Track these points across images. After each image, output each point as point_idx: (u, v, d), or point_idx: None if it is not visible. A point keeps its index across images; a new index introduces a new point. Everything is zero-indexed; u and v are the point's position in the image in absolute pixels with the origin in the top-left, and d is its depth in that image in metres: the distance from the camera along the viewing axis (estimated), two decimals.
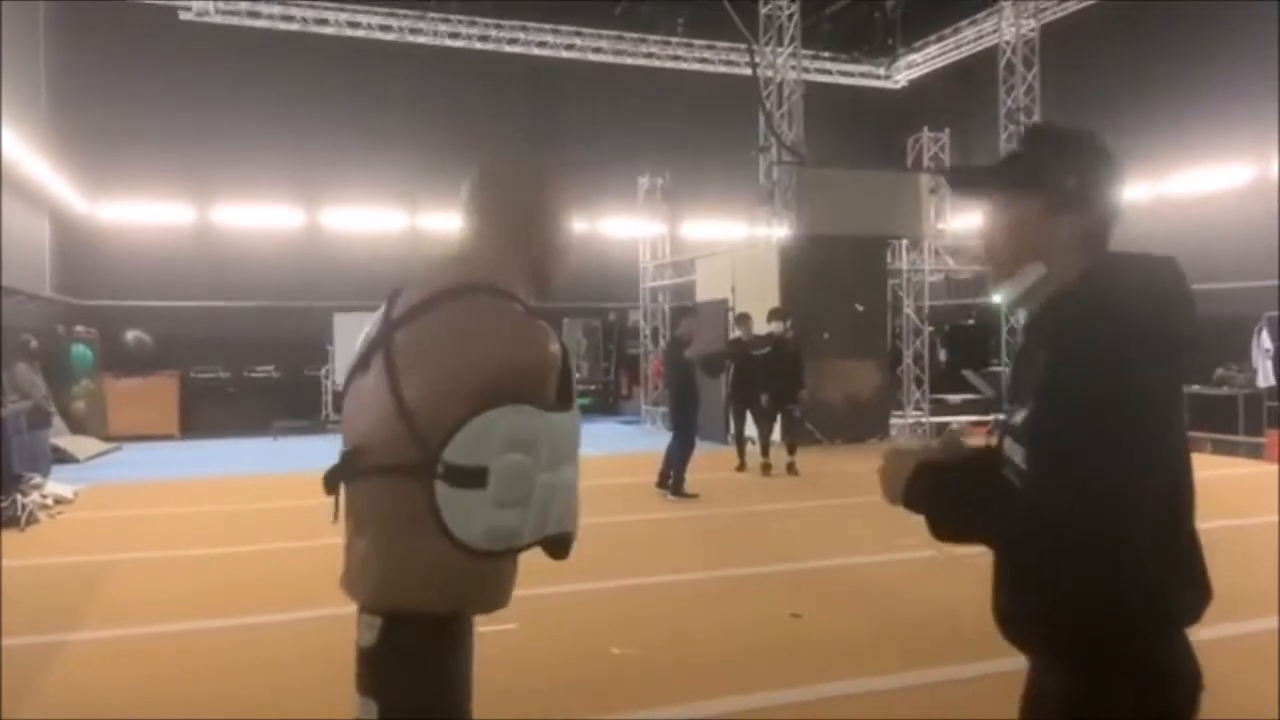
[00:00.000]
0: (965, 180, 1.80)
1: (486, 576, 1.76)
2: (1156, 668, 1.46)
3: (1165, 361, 1.47)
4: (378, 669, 1.72)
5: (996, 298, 1.66)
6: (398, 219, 18.04)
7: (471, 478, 1.64)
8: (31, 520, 7.88)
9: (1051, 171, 1.56)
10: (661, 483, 9.04)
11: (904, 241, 14.98)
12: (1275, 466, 10.74)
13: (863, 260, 13.65)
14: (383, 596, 1.71)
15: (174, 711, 3.83)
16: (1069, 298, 1.51)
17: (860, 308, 13.48)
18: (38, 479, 8.94)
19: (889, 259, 14.95)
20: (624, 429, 16.60)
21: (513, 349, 1.72)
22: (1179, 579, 1.47)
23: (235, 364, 17.05)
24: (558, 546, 1.82)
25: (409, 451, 1.67)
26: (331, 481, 1.78)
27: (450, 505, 1.64)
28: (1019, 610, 1.56)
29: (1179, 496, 1.48)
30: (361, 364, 1.83)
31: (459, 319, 1.74)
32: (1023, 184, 1.58)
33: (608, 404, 19.35)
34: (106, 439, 14.42)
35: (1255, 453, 11.53)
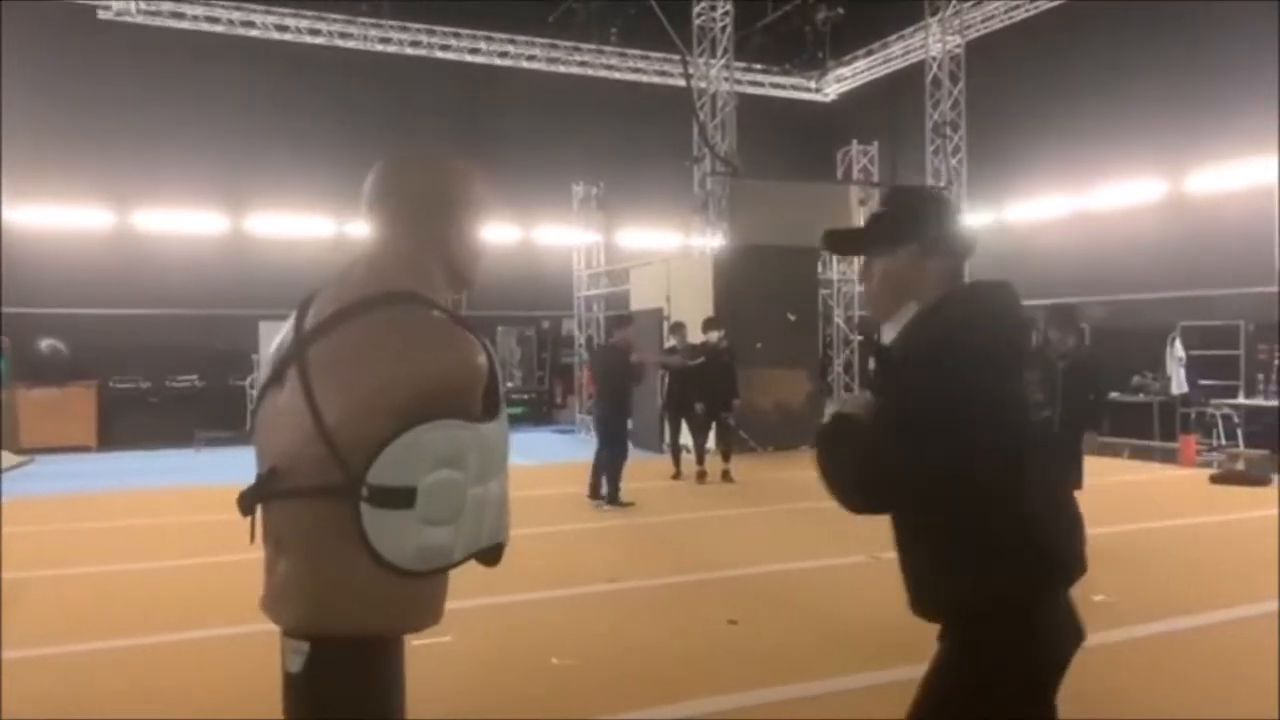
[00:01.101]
0: (846, 245, 2.15)
1: (418, 595, 1.69)
2: (1019, 628, 1.78)
3: (994, 368, 1.78)
4: (307, 695, 1.65)
5: (883, 337, 1.95)
6: (325, 226, 17.70)
7: (399, 498, 1.56)
8: None
9: (917, 227, 1.93)
10: (593, 493, 8.99)
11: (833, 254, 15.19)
12: (1189, 470, 11.15)
13: (795, 270, 13.82)
14: (310, 620, 1.63)
15: None
16: (916, 322, 1.86)
17: (793, 317, 13.65)
18: None
19: (820, 269, 15.16)
20: (558, 438, 16.52)
21: (437, 361, 1.64)
22: (1016, 553, 1.76)
23: (156, 373, 16.53)
24: (490, 556, 1.77)
25: (331, 473, 1.58)
26: (248, 503, 1.68)
27: (377, 527, 1.57)
28: (909, 588, 1.91)
29: (1008, 482, 1.77)
30: (275, 379, 1.73)
31: (379, 331, 1.65)
32: (897, 241, 1.92)
33: (541, 413, 19.23)
34: (19, 451, 13.87)
35: (1170, 458, 11.94)
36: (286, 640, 1.66)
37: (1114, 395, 14.01)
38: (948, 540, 1.79)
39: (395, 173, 1.86)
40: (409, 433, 1.57)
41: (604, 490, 8.91)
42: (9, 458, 13.25)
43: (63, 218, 16.28)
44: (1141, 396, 13.69)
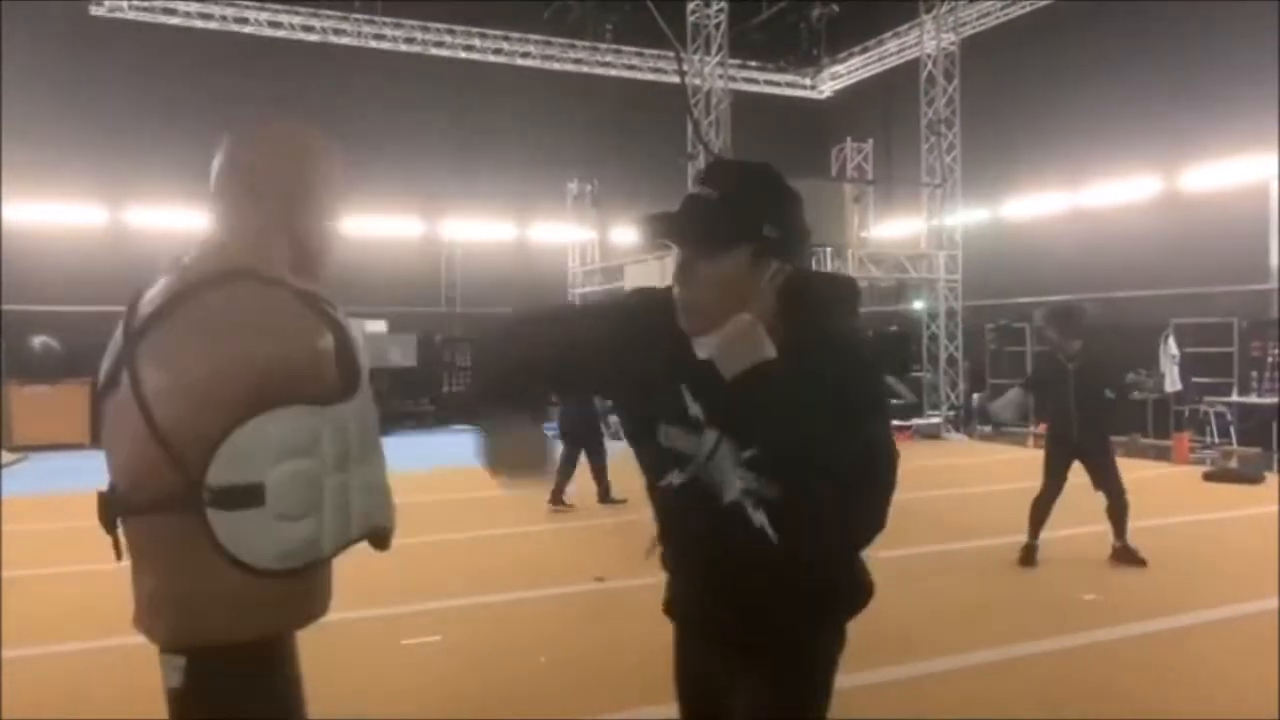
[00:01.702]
0: (664, 232, 1.68)
1: (292, 593, 1.56)
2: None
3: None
4: (192, 709, 1.56)
5: (701, 353, 1.58)
6: None
7: (246, 496, 1.44)
8: None
9: (756, 222, 1.57)
10: (554, 499, 8.52)
11: (828, 250, 15.20)
12: (1182, 468, 11.18)
13: None
14: (182, 633, 1.53)
15: None
16: (826, 336, 1.60)
17: None
18: None
19: (814, 267, 15.14)
20: (551, 436, 16.50)
21: (272, 344, 1.48)
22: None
23: None
24: (378, 541, 1.66)
25: (171, 479, 1.46)
26: (106, 520, 1.57)
27: (229, 531, 1.44)
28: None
29: None
30: (109, 383, 1.59)
31: (210, 314, 1.50)
32: (734, 241, 1.56)
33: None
34: (11, 449, 13.83)
35: (1163, 455, 11.96)
36: (163, 656, 1.57)
37: (1107, 392, 14.05)
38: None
39: (241, 143, 1.71)
40: (248, 424, 1.44)
41: (565, 495, 8.58)
42: (5, 455, 13.21)
43: (55, 214, 16.24)
44: (1135, 394, 13.69)
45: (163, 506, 1.49)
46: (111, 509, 1.57)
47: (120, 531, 1.59)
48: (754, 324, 1.53)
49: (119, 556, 1.61)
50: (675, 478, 1.63)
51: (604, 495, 8.83)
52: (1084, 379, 6.30)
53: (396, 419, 17.49)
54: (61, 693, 4.12)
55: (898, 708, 3.83)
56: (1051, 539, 6.43)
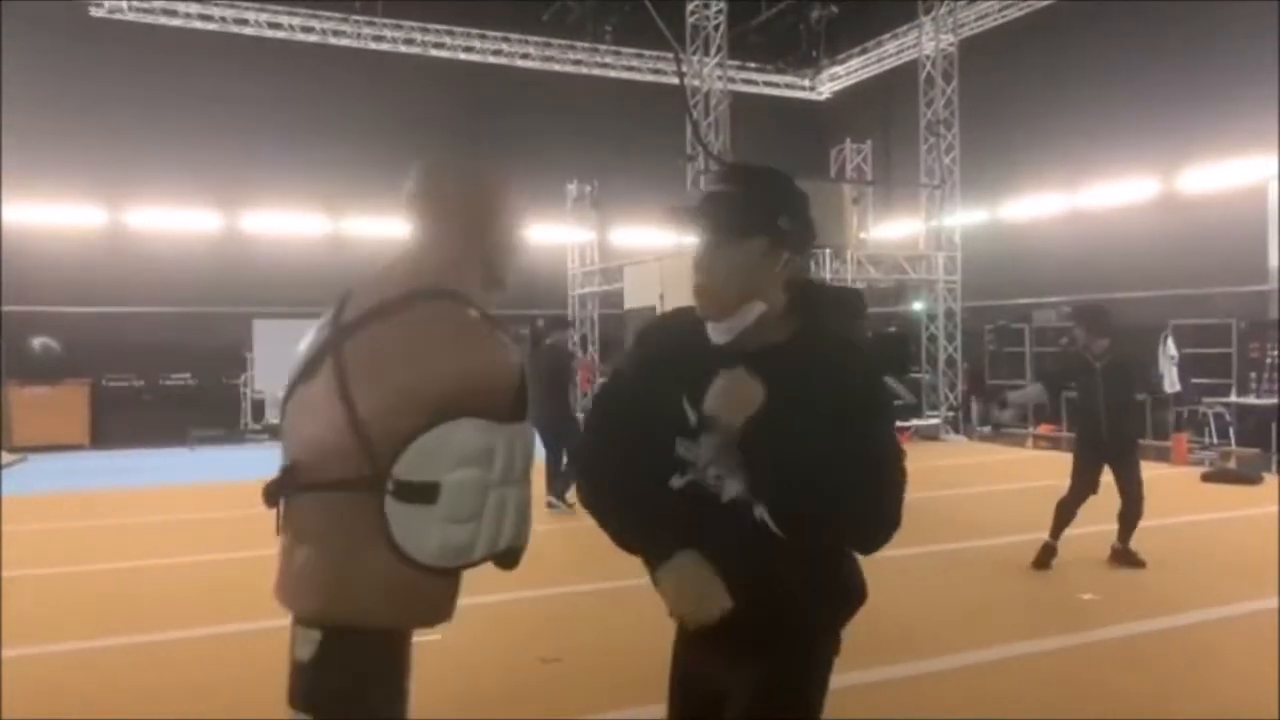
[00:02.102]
0: (690, 218, 1.79)
1: (433, 592, 1.70)
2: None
3: None
4: (315, 683, 1.65)
5: (716, 337, 1.71)
6: (319, 224, 17.70)
7: (423, 493, 1.58)
8: None
9: (772, 215, 1.72)
10: (554, 493, 8.67)
11: (828, 250, 15.22)
12: (1180, 469, 11.19)
13: None
14: (324, 609, 1.64)
15: None
16: (839, 339, 1.71)
17: None
18: None
19: (813, 268, 15.16)
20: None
21: (471, 360, 1.66)
22: None
23: (149, 371, 16.49)
24: (508, 559, 1.78)
25: (359, 465, 1.60)
26: (273, 494, 1.69)
27: (401, 521, 1.59)
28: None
29: None
30: (308, 371, 1.73)
31: (415, 327, 1.66)
32: (752, 231, 1.69)
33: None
34: (11, 449, 13.83)
35: (1162, 456, 11.97)
36: (298, 628, 1.66)
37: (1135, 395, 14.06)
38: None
39: (441, 174, 1.89)
40: (437, 429, 1.59)
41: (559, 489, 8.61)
42: (4, 456, 13.21)
43: (55, 215, 16.24)
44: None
45: (345, 487, 1.61)
46: (286, 483, 1.69)
47: (280, 509, 1.71)
48: (745, 377, 1.61)
49: (279, 531, 1.72)
50: (677, 481, 1.70)
51: (563, 493, 8.68)
52: (1111, 378, 6.24)
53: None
54: (59, 692, 4.13)
55: (897, 707, 3.84)
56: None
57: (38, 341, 15.62)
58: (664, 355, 1.79)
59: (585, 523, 6.86)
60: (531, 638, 4.83)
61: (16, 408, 14.78)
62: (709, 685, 1.88)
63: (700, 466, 1.67)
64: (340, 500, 1.62)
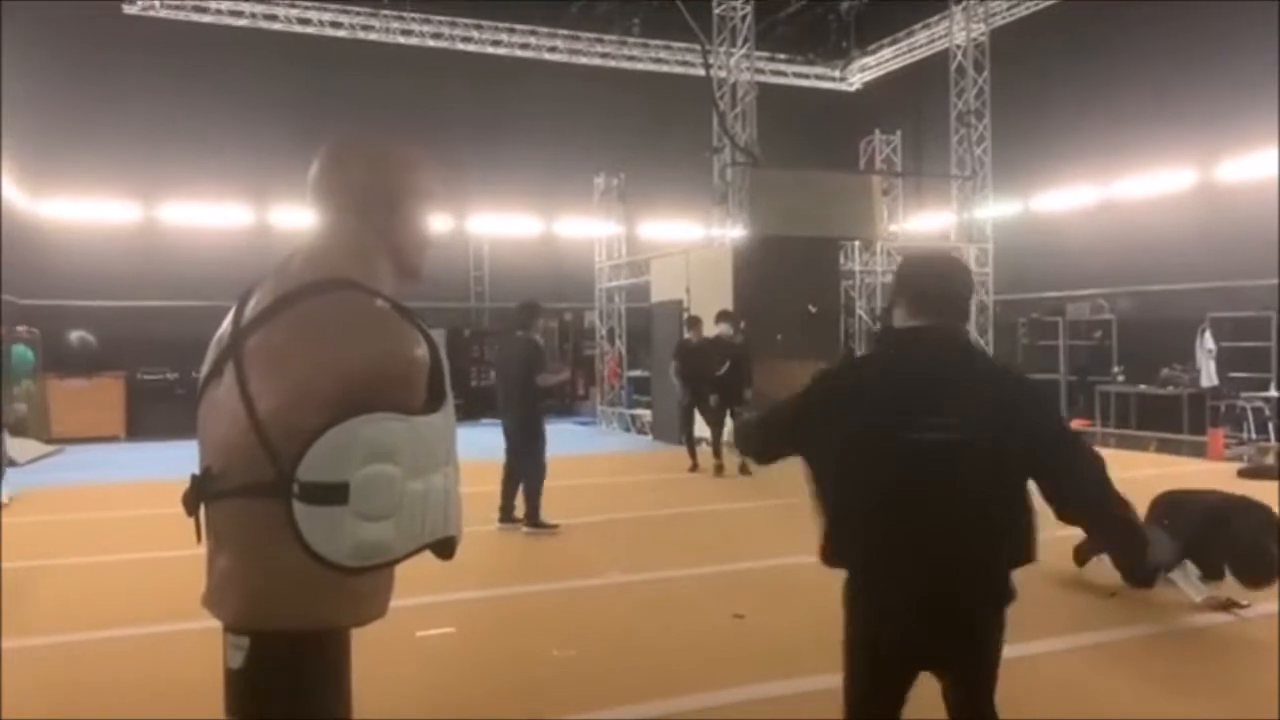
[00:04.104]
0: None
1: (359, 590, 1.63)
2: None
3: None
4: (248, 691, 1.62)
5: None
6: None
7: (331, 494, 1.50)
8: None
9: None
10: (505, 516, 7.46)
11: (857, 243, 15.10)
12: (1216, 464, 10.98)
13: (816, 261, 13.72)
14: (249, 615, 1.60)
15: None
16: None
17: (814, 309, 13.55)
18: None
19: (842, 260, 15.05)
20: (580, 430, 16.55)
21: (373, 351, 1.57)
22: None
23: (183, 365, 16.66)
24: (442, 550, 1.71)
25: (264, 468, 1.54)
26: (190, 503, 1.65)
27: (311, 523, 1.51)
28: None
29: None
30: (214, 372, 1.69)
31: (315, 319, 1.59)
32: None
33: (563, 405, 19.27)
34: (49, 441, 14.07)
35: (1198, 451, 11.76)
36: (228, 636, 1.64)
37: (1142, 388, 13.85)
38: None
39: (341, 157, 1.80)
40: (340, 426, 1.51)
41: (519, 510, 7.48)
42: (37, 447, 13.45)
43: (91, 211, 16.51)
44: (1171, 389, 13.49)
45: (251, 492, 1.56)
46: (201, 491, 1.65)
47: (202, 514, 1.68)
48: None
49: (199, 540, 1.69)
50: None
51: (535, 515, 7.44)
52: None
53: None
54: (87, 680, 4.18)
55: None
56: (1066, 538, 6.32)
57: (75, 335, 15.89)
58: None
59: (617, 515, 6.81)
60: (549, 631, 4.82)
61: (54, 401, 15.03)
62: (914, 656, 2.24)
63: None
64: (251, 505, 1.58)
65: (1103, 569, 5.54)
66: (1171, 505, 5.41)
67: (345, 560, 1.54)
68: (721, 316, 10.74)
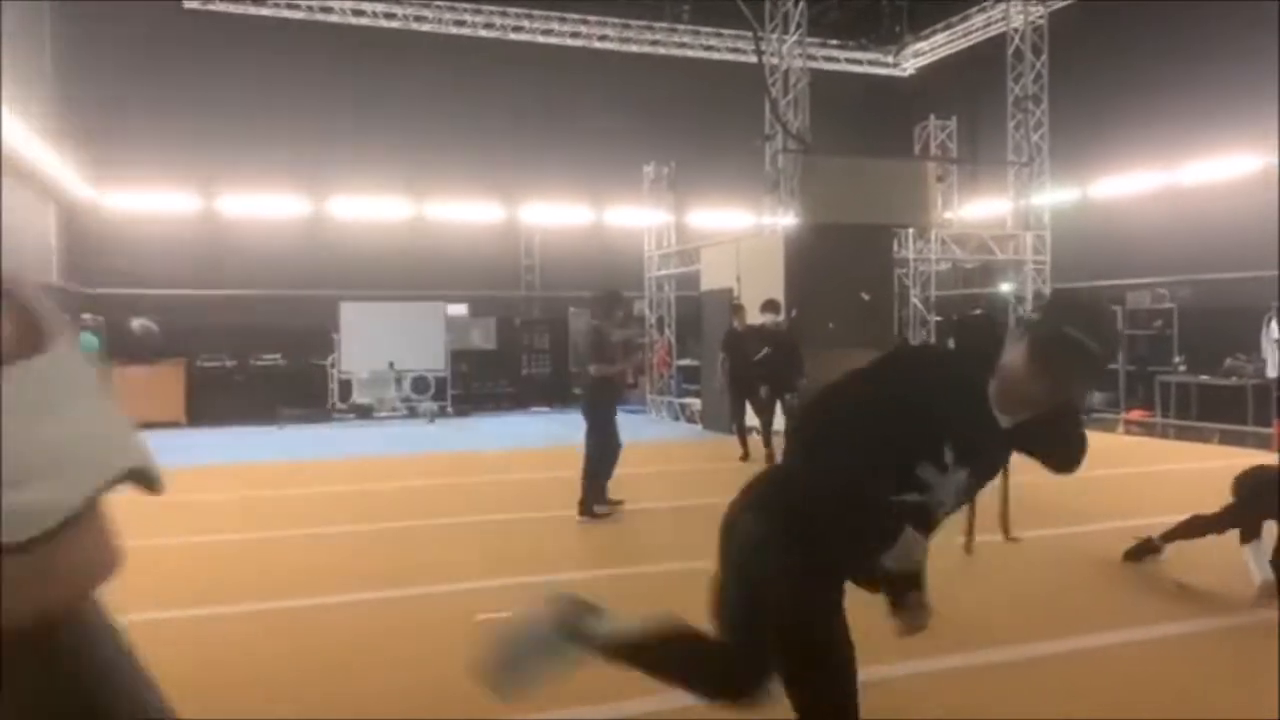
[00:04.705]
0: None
1: (53, 563, 1.28)
2: None
3: None
4: None
5: (1004, 422, 2.20)
6: (404, 208, 18.06)
7: None
8: None
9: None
10: (586, 509, 7.21)
11: (911, 230, 14.93)
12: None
13: (869, 249, 13.58)
14: None
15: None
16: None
17: (866, 297, 13.44)
18: None
19: (896, 248, 14.91)
20: (631, 418, 16.57)
21: None
22: None
23: (242, 352, 17.06)
24: (142, 483, 1.35)
25: None
26: None
27: None
28: None
29: None
30: None
31: None
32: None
33: (623, 394, 19.35)
34: None
35: (1263, 443, 11.48)
36: None
37: (1204, 378, 13.56)
38: None
39: None
40: None
41: (612, 493, 7.44)
42: None
43: (153, 202, 16.90)
44: (1234, 380, 13.18)
45: None
46: None
47: None
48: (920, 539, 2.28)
49: None
50: (914, 496, 2.20)
51: (600, 497, 7.39)
52: None
53: (476, 400, 17.81)
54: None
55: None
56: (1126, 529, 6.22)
57: (137, 323, 16.28)
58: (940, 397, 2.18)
59: (670, 504, 6.74)
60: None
61: (118, 387, 15.35)
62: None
63: (937, 496, 2.18)
64: None
65: (1160, 566, 5.44)
66: (1259, 477, 5.15)
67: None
68: (767, 306, 10.71)
